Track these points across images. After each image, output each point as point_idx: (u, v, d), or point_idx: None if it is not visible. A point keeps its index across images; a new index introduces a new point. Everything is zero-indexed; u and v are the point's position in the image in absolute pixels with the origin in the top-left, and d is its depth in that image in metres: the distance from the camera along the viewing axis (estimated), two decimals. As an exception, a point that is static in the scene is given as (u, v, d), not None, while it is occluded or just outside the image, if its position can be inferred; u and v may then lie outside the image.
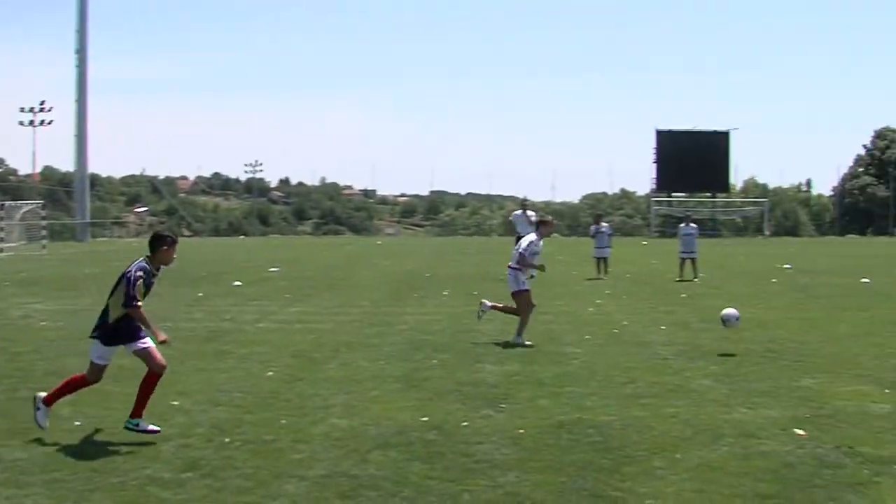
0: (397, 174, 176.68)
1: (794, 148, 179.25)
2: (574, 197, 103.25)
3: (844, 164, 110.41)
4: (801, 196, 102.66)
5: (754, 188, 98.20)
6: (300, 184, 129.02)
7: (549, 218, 16.39)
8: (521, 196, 48.16)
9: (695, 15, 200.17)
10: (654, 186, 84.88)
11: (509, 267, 14.93)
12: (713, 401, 9.93)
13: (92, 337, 8.48)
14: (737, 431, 8.57)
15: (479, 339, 14.66)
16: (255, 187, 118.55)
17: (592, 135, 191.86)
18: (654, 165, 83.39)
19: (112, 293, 8.39)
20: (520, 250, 14.72)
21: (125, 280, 8.24)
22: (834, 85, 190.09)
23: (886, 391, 10.50)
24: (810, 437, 8.36)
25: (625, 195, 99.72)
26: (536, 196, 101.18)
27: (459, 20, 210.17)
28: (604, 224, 29.23)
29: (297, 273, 30.47)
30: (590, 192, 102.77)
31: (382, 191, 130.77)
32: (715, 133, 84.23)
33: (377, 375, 11.46)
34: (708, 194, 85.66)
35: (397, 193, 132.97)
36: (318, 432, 8.50)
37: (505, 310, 15.02)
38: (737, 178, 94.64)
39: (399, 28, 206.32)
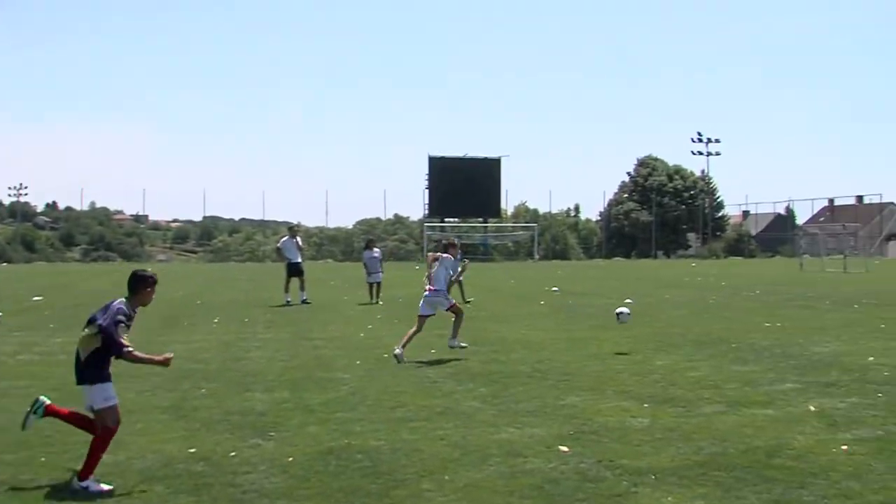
0: (169, 199, 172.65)
1: (563, 175, 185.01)
2: (348, 222, 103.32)
3: (610, 190, 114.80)
4: (569, 221, 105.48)
5: (525, 213, 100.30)
6: (68, 208, 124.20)
7: (455, 241, 17.34)
8: (293, 222, 47.82)
9: (463, 41, 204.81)
10: (426, 212, 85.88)
11: (432, 290, 15.84)
12: (481, 422, 10.09)
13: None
14: (504, 451, 8.74)
15: (249, 367, 14.47)
16: (19, 212, 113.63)
17: (366, 160, 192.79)
18: (427, 191, 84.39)
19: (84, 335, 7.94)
20: (450, 271, 16.05)
21: (104, 332, 7.79)
22: (599, 114, 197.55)
23: (645, 406, 10.95)
24: (574, 453, 8.62)
25: (398, 220, 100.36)
26: (310, 221, 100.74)
27: (226, 37, 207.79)
28: (376, 249, 29.32)
29: (63, 302, 29.18)
30: (364, 217, 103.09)
31: (154, 216, 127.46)
32: (486, 160, 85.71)
33: (143, 406, 11.10)
34: (480, 219, 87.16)
35: (169, 219, 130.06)
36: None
37: (410, 339, 15.44)
38: (508, 203, 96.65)
39: (166, 47, 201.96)
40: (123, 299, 8.06)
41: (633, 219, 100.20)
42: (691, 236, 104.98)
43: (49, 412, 8.27)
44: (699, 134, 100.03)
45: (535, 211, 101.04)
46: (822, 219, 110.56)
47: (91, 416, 8.00)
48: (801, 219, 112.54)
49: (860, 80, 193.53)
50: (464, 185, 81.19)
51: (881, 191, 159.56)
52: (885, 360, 14.83)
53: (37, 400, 8.32)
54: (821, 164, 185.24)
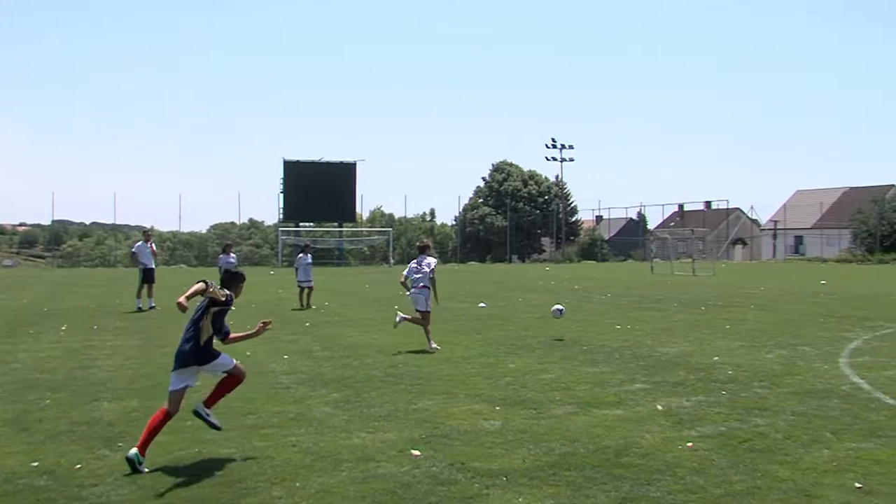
0: (16, 202, 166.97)
1: (418, 179, 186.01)
2: (202, 226, 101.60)
3: (465, 195, 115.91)
4: (425, 225, 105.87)
5: (380, 218, 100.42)
6: None
7: (428, 242, 18.60)
8: (146, 226, 46.83)
9: (317, 45, 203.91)
10: (281, 216, 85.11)
11: (421, 287, 17.23)
12: (333, 427, 10.05)
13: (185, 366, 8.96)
14: (356, 456, 8.72)
15: (98, 375, 14.10)
16: None
17: (220, 163, 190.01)
18: (282, 195, 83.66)
19: (200, 319, 9.08)
20: (431, 268, 17.36)
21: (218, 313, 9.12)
22: (455, 119, 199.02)
23: (497, 408, 11.06)
24: (426, 457, 8.65)
25: (253, 224, 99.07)
26: (163, 225, 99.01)
27: (72, 36, 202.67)
28: (232, 255, 29.01)
29: None
30: (218, 221, 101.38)
31: (0, 220, 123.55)
32: (341, 164, 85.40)
33: (-17, 419, 10.75)
34: (335, 224, 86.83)
35: (16, 223, 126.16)
36: None
37: (415, 321, 17.38)
38: (363, 208, 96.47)
39: (8, 43, 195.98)
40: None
41: (488, 223, 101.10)
42: (546, 241, 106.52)
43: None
44: (553, 140, 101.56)
45: (391, 215, 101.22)
46: (672, 223, 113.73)
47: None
48: (652, 223, 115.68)
49: (709, 88, 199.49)
50: (319, 189, 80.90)
51: (728, 196, 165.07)
52: (729, 359, 15.34)
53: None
54: (671, 171, 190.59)
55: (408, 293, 17.59)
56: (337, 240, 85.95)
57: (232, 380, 9.25)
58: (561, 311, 20.40)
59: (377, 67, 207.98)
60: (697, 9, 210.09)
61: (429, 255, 17.83)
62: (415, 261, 17.59)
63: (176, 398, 8.86)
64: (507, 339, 18.40)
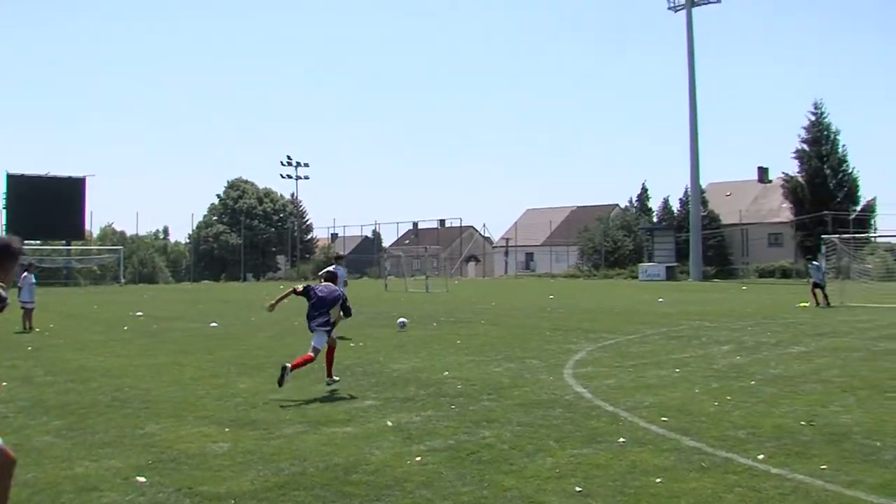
0: None
1: (151, 196, 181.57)
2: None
3: (199, 212, 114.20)
4: (158, 243, 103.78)
5: (111, 235, 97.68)
6: None
7: (342, 253, 20.89)
8: None
9: (39, 53, 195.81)
10: (3, 233, 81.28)
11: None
12: (54, 457, 9.61)
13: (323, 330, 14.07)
14: (77, 486, 8.37)
15: None
16: None
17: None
18: (4, 211, 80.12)
19: (333, 306, 14.19)
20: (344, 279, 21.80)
21: (342, 298, 14.36)
22: (189, 134, 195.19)
23: (227, 430, 10.91)
24: (152, 483, 8.42)
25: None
26: None
27: None
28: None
29: None
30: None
31: None
32: (69, 179, 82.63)
33: None
34: (63, 242, 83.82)
35: None
36: None
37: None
38: (93, 225, 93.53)
39: None
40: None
41: (222, 241, 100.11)
42: (281, 258, 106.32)
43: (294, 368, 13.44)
44: (288, 158, 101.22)
45: (122, 233, 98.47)
46: (407, 241, 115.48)
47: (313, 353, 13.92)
48: (387, 241, 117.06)
49: (439, 112, 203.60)
50: (45, 205, 77.90)
51: (461, 215, 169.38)
52: (459, 373, 15.69)
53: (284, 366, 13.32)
54: (406, 191, 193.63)
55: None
56: (65, 258, 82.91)
57: (330, 351, 14.44)
58: (404, 323, 25.02)
59: (105, 77, 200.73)
60: (408, 18, 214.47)
61: (340, 266, 22.02)
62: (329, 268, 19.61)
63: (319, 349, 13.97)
64: (238, 359, 18.20)
